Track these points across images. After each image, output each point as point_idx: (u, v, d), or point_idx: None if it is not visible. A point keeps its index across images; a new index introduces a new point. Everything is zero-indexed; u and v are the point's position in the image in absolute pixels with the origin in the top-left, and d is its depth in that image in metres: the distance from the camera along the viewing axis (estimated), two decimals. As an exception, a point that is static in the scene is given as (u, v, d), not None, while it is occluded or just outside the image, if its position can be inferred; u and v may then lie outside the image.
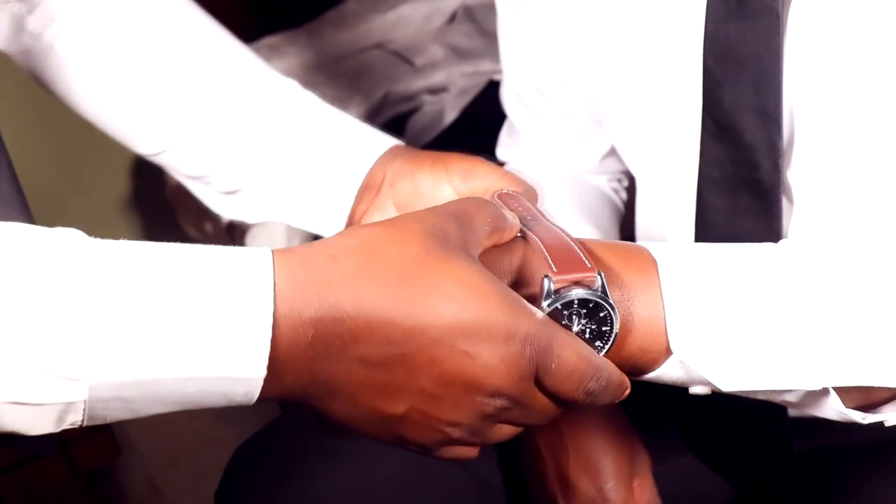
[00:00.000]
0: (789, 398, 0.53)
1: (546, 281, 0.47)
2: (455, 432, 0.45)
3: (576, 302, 0.47)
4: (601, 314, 0.48)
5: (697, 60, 0.64)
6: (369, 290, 0.42)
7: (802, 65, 0.62)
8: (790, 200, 0.67)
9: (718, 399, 0.65)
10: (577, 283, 0.47)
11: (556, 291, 0.47)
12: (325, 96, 1.60)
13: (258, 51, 1.59)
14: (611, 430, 0.68)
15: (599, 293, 0.47)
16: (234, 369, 0.40)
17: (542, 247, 0.49)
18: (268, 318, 0.40)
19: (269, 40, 1.61)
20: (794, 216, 0.67)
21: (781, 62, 0.61)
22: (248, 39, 1.61)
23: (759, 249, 0.53)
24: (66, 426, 0.41)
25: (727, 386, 0.51)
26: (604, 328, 0.48)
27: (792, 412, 0.72)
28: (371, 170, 0.67)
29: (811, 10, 0.60)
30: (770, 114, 0.62)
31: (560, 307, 0.47)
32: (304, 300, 0.41)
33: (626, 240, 0.69)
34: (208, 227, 1.50)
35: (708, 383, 0.51)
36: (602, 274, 0.48)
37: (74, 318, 0.38)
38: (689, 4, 0.64)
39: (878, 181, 0.62)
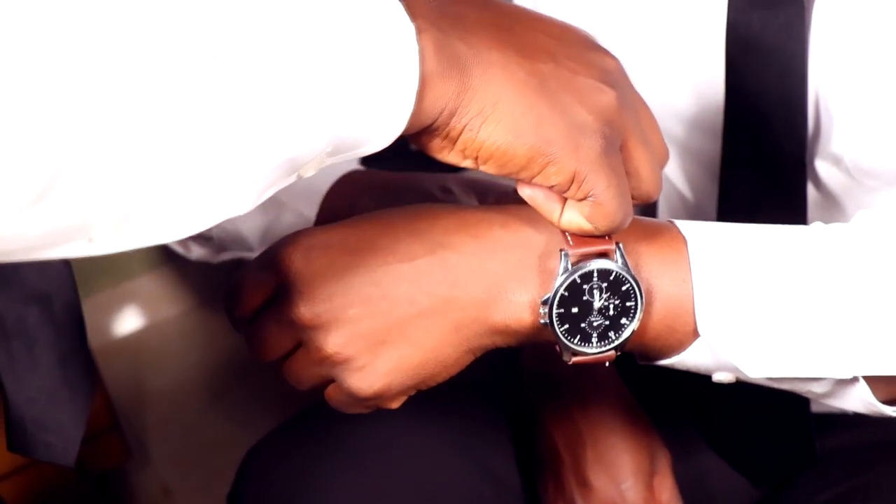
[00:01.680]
0: (816, 388, 0.53)
1: (562, 254, 0.48)
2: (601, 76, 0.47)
3: (595, 274, 0.48)
4: (623, 288, 0.48)
5: (720, 50, 0.65)
6: None
7: (829, 54, 0.62)
8: (818, 190, 0.67)
9: (740, 396, 0.65)
10: (596, 256, 0.48)
11: (574, 264, 0.47)
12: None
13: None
14: (629, 428, 0.69)
15: (619, 264, 0.48)
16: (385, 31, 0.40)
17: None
18: None
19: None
20: (822, 206, 0.68)
21: (807, 52, 0.62)
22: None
23: (791, 231, 0.53)
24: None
25: (754, 372, 0.51)
26: (628, 303, 0.49)
27: (815, 408, 0.73)
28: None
29: None
30: (794, 104, 0.63)
31: (578, 280, 0.47)
32: None
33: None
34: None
35: (734, 369, 0.51)
36: (621, 245, 0.48)
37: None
38: None
39: None
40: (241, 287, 0.51)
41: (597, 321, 0.49)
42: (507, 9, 0.47)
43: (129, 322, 1.71)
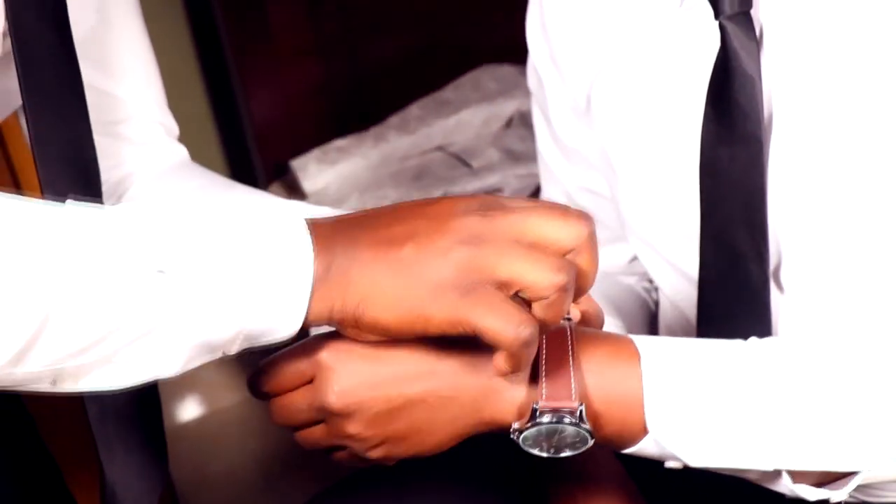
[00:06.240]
0: (750, 475, 0.64)
1: (534, 406, 0.60)
2: (470, 218, 0.56)
3: (557, 429, 0.60)
4: (577, 439, 0.61)
5: (695, 180, 0.76)
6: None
7: (785, 183, 0.72)
8: (784, 294, 0.77)
9: (716, 483, 0.77)
10: (560, 410, 0.60)
11: (541, 414, 0.60)
12: (387, 196, 1.73)
13: (328, 153, 1.73)
14: (619, 496, 0.77)
15: (577, 421, 0.60)
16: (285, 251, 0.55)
17: (543, 368, 0.61)
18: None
19: (338, 143, 1.73)
20: (792, 308, 0.78)
21: (765, 182, 0.72)
22: (320, 142, 1.75)
23: (730, 347, 0.64)
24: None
25: (695, 462, 0.62)
26: (577, 444, 0.61)
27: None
28: None
29: (790, 137, 0.72)
30: (758, 227, 0.73)
31: (543, 430, 0.60)
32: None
33: (653, 334, 0.82)
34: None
35: (679, 459, 0.63)
36: (584, 406, 0.60)
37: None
38: (687, 132, 0.77)
39: (846, 293, 0.74)
40: (279, 372, 0.64)
41: (549, 448, 0.62)
42: (392, 209, 0.59)
43: (191, 408, 1.79)
